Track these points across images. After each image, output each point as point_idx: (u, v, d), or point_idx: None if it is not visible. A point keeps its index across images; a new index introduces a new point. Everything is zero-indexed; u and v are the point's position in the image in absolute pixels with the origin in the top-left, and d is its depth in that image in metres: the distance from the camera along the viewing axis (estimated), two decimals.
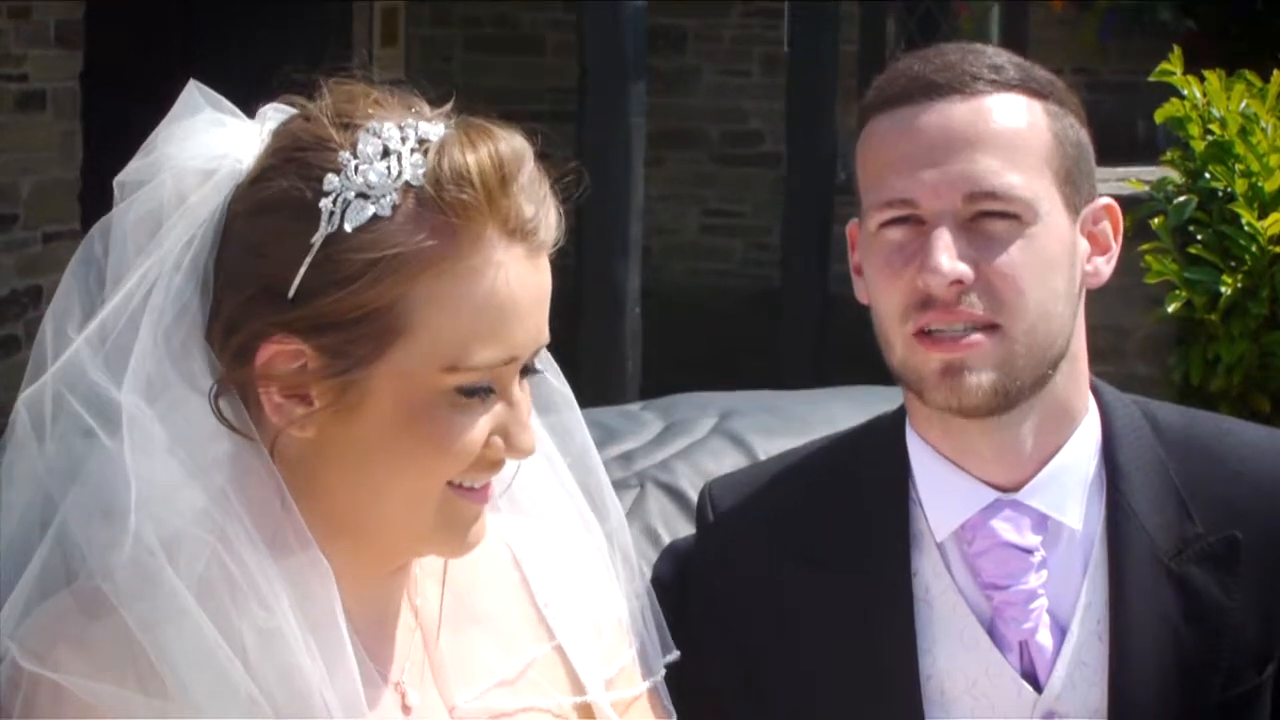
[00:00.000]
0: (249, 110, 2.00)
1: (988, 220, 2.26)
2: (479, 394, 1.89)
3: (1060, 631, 2.32)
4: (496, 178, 1.87)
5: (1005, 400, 2.28)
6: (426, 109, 1.95)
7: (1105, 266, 2.38)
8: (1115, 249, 2.39)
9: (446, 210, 1.86)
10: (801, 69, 9.95)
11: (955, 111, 2.28)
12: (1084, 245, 2.35)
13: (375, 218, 1.85)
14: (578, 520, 2.20)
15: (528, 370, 1.95)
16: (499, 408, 1.92)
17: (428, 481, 1.90)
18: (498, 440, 1.92)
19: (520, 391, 1.94)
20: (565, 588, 2.15)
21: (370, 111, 1.92)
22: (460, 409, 1.89)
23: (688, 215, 12.56)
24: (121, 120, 9.00)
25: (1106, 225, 2.38)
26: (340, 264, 1.85)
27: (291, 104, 1.98)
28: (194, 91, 1.98)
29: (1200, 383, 5.69)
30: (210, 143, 1.95)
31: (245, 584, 1.87)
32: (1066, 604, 2.32)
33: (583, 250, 7.55)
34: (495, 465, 1.94)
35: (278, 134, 1.95)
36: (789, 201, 10.07)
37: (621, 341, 7.63)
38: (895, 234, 2.28)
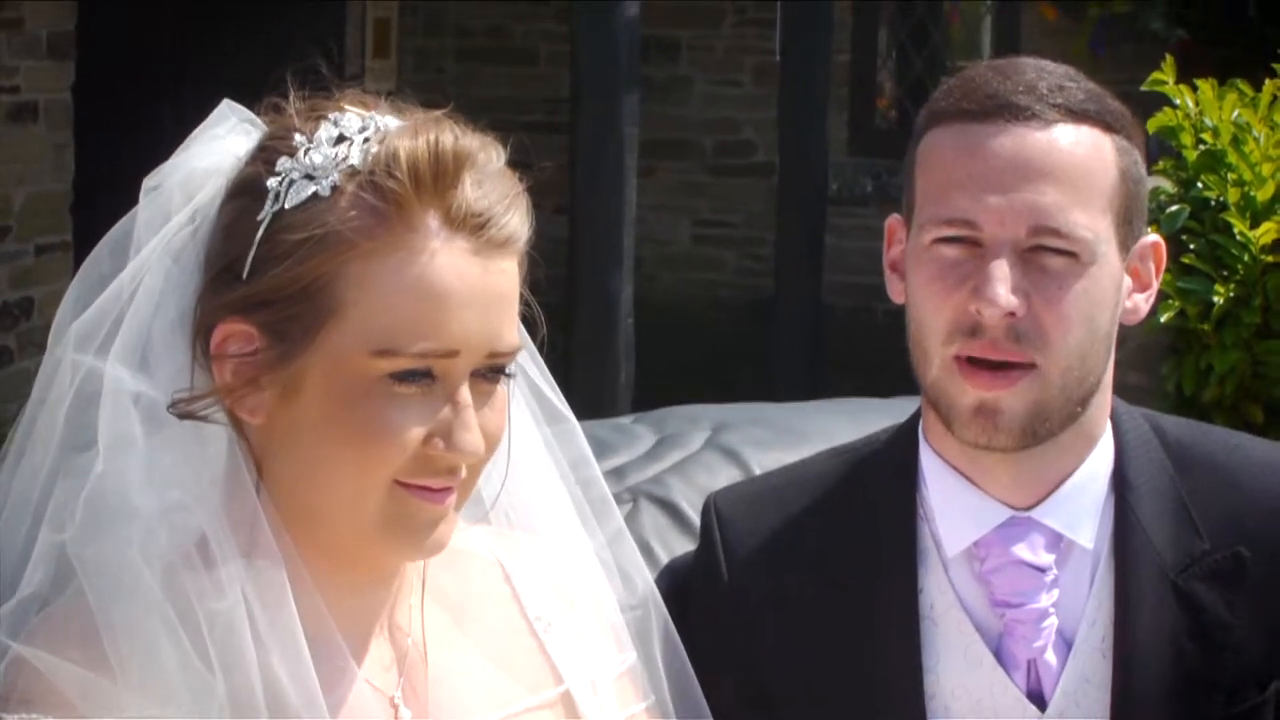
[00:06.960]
0: None
1: (1045, 254, 2.22)
2: (413, 382, 1.87)
3: (1066, 648, 2.30)
4: (431, 166, 1.87)
5: (1035, 439, 2.27)
6: (419, 113, 1.95)
7: (1144, 304, 2.35)
8: (1154, 287, 2.35)
9: (379, 194, 1.87)
10: (794, 79, 9.96)
11: (1029, 139, 2.23)
12: (1127, 282, 2.32)
13: (314, 196, 1.88)
14: (579, 530, 2.18)
15: (488, 375, 1.92)
16: (442, 406, 1.89)
17: (366, 475, 1.88)
18: (439, 441, 1.89)
19: (470, 393, 1.90)
20: (558, 601, 2.13)
21: (345, 107, 1.95)
22: (394, 400, 1.87)
23: (680, 225, 12.54)
24: (114, 132, 9.01)
25: (1151, 263, 2.35)
26: (278, 242, 1.88)
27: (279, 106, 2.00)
28: (224, 108, 2.02)
29: (1193, 392, 5.66)
30: (228, 148, 1.98)
31: (206, 571, 1.87)
32: (1073, 620, 2.31)
33: (575, 260, 7.55)
34: (444, 467, 1.90)
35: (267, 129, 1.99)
36: (782, 211, 10.07)
37: (614, 352, 7.62)
38: (950, 251, 2.25)
